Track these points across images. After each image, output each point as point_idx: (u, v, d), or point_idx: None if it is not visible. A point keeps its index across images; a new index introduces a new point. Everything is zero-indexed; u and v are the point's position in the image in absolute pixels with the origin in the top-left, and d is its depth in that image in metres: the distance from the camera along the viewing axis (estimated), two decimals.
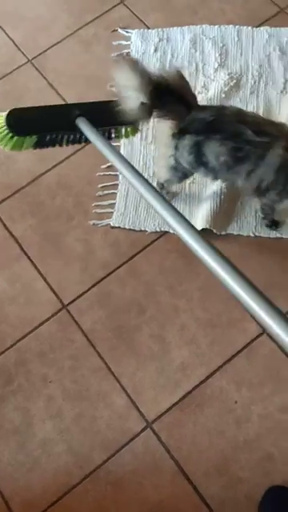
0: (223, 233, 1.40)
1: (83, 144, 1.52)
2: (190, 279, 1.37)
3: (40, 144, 1.04)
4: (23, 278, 1.41)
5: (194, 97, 1.11)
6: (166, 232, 1.42)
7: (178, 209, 1.38)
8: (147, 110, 1.03)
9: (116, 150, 0.95)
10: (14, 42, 1.71)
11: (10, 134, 0.99)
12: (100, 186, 1.50)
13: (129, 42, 1.67)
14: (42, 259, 1.43)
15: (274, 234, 1.39)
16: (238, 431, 1.22)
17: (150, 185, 0.87)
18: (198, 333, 1.31)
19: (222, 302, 1.34)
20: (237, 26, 1.65)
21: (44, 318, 1.36)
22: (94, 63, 1.65)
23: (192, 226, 0.74)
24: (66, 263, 1.42)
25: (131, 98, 1.00)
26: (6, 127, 0.98)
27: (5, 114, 0.99)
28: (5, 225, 1.47)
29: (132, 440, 1.23)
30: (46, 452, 1.23)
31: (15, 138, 1.00)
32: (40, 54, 1.68)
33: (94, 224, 1.46)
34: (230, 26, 1.66)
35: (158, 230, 1.43)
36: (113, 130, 1.09)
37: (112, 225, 1.45)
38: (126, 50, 1.66)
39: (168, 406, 1.25)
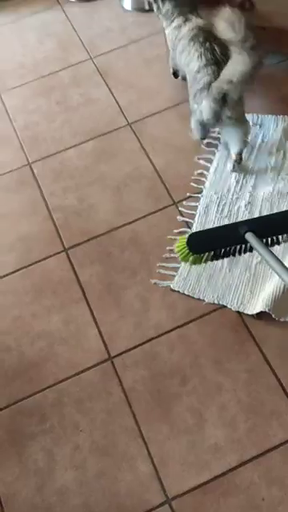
0: (282, 319, 1.30)
1: (160, 206, 1.55)
2: (240, 359, 1.28)
3: (216, 257, 1.16)
4: (78, 322, 1.38)
5: None
6: (224, 306, 1.34)
7: (240, 287, 1.36)
8: None
9: (283, 265, 1.02)
10: (118, 105, 1.77)
11: (191, 253, 1.15)
12: (168, 248, 1.46)
13: None
14: (99, 307, 1.39)
15: None
16: None
17: None
18: (238, 416, 1.20)
19: (268, 391, 1.22)
20: None
21: (89, 364, 1.30)
22: (185, 136, 1.65)
23: None
24: (122, 316, 1.37)
25: None
26: (187, 248, 1.14)
27: (186, 237, 1.15)
28: (73, 267, 1.46)
29: None
30: (61, 501, 1.15)
31: (195, 255, 1.15)
32: (139, 120, 1.72)
33: (155, 283, 1.41)
34: None
35: (216, 302, 1.36)
36: (280, 237, 1.15)
37: (172, 287, 1.40)
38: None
39: (192, 486, 1.13)
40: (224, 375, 1.26)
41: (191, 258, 1.14)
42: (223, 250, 1.14)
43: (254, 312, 1.31)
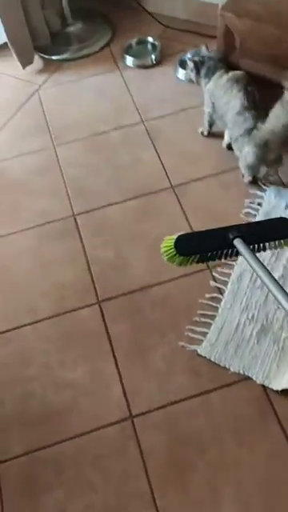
0: None
1: (195, 269, 1.59)
2: (261, 435, 1.26)
3: (202, 260, 1.15)
4: (103, 375, 1.39)
5: None
6: (249, 378, 1.34)
7: (267, 360, 1.36)
8: None
9: (269, 273, 1.00)
10: (164, 167, 1.85)
11: (177, 255, 1.12)
12: (199, 312, 1.49)
13: (263, 194, 1.72)
14: (125, 363, 1.41)
15: None
16: None
17: None
18: (253, 497, 1.17)
19: (287, 471, 1.20)
20: None
21: (110, 421, 1.31)
22: (225, 203, 1.71)
23: None
24: (146, 375, 1.39)
25: None
26: (173, 249, 1.12)
27: (174, 238, 1.13)
28: (104, 321, 1.50)
29: None
30: None
31: (181, 257, 1.13)
32: (182, 184, 1.79)
33: (182, 346, 1.43)
34: None
35: (241, 372, 1.36)
36: (267, 244, 1.15)
37: (199, 352, 1.41)
38: (258, 200, 1.70)
39: None
40: (243, 450, 1.24)
41: (177, 260, 1.12)
42: (210, 254, 1.13)
43: (279, 388, 1.30)
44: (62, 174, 1.87)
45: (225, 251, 1.12)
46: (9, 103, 2.13)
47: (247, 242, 1.09)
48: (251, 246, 1.11)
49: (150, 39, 2.27)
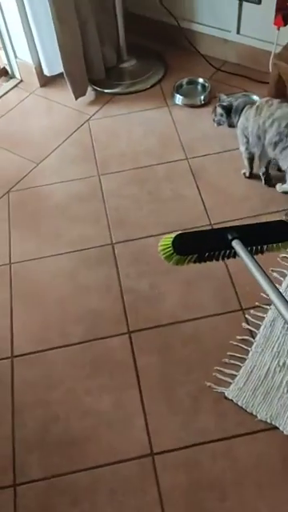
0: None
1: (227, 309, 1.58)
2: (283, 488, 1.21)
3: (199, 260, 1.13)
4: (127, 408, 1.38)
5: None
6: (276, 428, 1.31)
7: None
8: None
9: (265, 274, 1.00)
10: (204, 205, 1.87)
11: (174, 254, 1.11)
12: (229, 353, 1.47)
13: None
14: (150, 398, 1.40)
15: None
16: None
17: None
18: None
19: None
20: None
21: (130, 456, 1.29)
22: None
23: None
24: (170, 412, 1.37)
25: None
26: (171, 248, 1.11)
27: (172, 236, 1.12)
28: (133, 352, 1.50)
29: None
30: None
31: (178, 256, 1.11)
32: (221, 223, 1.79)
33: (209, 386, 1.40)
34: None
35: (268, 421, 1.32)
36: (265, 246, 1.13)
37: (226, 395, 1.38)
38: None
39: None
40: (264, 502, 1.20)
41: (174, 259, 1.10)
42: (207, 254, 1.11)
43: None
44: (104, 202, 1.91)
45: (222, 252, 1.11)
46: (59, 130, 2.21)
47: (245, 244, 1.08)
48: (249, 248, 1.09)
49: (201, 80, 2.33)
